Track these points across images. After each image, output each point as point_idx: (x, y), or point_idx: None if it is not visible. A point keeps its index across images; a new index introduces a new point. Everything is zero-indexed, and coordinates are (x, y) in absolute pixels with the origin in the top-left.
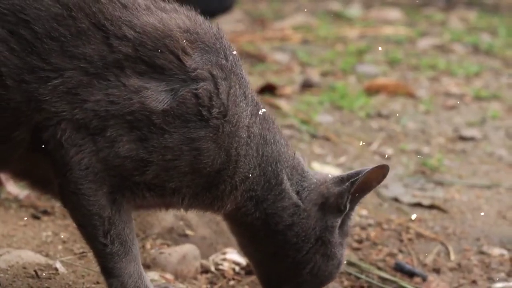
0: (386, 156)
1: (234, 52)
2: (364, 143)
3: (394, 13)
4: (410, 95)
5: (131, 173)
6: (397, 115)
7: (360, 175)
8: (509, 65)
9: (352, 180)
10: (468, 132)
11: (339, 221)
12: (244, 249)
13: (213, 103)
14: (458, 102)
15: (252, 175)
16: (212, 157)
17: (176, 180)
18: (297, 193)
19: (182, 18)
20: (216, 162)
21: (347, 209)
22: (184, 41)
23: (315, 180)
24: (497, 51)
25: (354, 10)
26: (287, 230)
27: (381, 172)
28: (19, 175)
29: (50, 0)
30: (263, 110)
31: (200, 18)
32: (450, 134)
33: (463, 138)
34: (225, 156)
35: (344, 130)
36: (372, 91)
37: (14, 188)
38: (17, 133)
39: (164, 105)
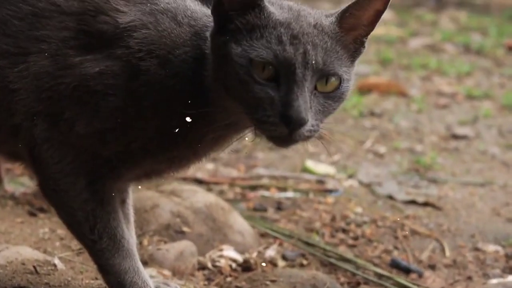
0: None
1: None
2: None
3: (385, 14)
4: (402, 94)
5: (97, 149)
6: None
7: None
8: (500, 65)
9: None
10: (460, 130)
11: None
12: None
13: (141, 47)
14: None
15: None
16: (153, 97)
17: (137, 139)
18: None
19: None
20: (157, 99)
21: None
22: (120, 0)
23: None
24: (488, 50)
25: None
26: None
27: None
28: (11, 157)
29: None
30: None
31: None
32: (443, 133)
33: (455, 137)
34: (162, 89)
35: (338, 128)
36: (364, 90)
37: (11, 186)
38: None
39: (100, 67)
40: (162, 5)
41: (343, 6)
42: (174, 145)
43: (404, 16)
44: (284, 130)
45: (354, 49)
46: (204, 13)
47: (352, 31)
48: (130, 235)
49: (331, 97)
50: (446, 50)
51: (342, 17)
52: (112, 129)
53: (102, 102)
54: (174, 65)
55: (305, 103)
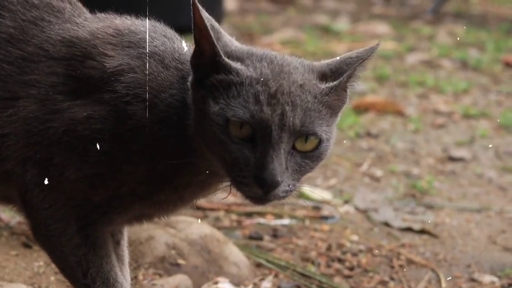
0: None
1: (169, 35)
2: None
3: (381, 27)
4: (399, 113)
5: (86, 194)
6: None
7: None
8: (497, 82)
9: None
10: (457, 152)
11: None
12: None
13: (127, 91)
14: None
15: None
16: (140, 142)
17: (126, 183)
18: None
19: (115, 24)
20: (144, 144)
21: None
22: (107, 45)
23: None
24: (485, 66)
25: (342, 24)
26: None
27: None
28: (3, 200)
29: (8, 20)
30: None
31: (135, 21)
32: (439, 154)
33: (452, 159)
34: (151, 135)
35: (334, 150)
36: (361, 109)
37: (5, 215)
38: None
39: (88, 111)
40: (150, 49)
41: (332, 58)
42: (161, 189)
43: (401, 30)
44: (258, 191)
45: (338, 103)
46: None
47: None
48: (125, 278)
49: (309, 156)
50: (443, 66)
51: (328, 75)
52: (101, 173)
53: (91, 147)
54: (160, 109)
55: (280, 165)
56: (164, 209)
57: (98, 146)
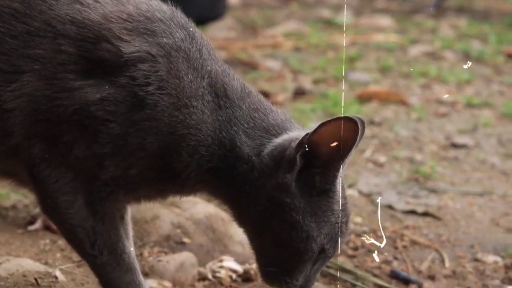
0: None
1: (190, 28)
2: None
3: (384, 20)
4: (402, 103)
5: (95, 172)
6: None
7: (317, 127)
8: (500, 72)
9: (308, 131)
10: (460, 139)
11: (291, 177)
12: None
13: (149, 80)
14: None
15: (204, 145)
16: (158, 134)
17: (135, 166)
18: (258, 152)
19: (128, 8)
20: (162, 139)
21: (298, 164)
22: (123, 30)
23: (287, 137)
24: (487, 58)
25: (345, 18)
26: (242, 188)
27: (348, 126)
28: (3, 175)
29: None
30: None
31: (151, 7)
32: (442, 142)
33: (455, 146)
34: (171, 132)
35: None
36: (364, 98)
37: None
38: None
39: (102, 93)
40: (171, 41)
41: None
42: (169, 180)
43: (404, 23)
44: None
45: None
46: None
47: None
48: (131, 249)
49: None
50: (446, 57)
51: None
52: (111, 154)
53: (103, 128)
54: (190, 114)
55: None
56: (167, 195)
57: (110, 128)
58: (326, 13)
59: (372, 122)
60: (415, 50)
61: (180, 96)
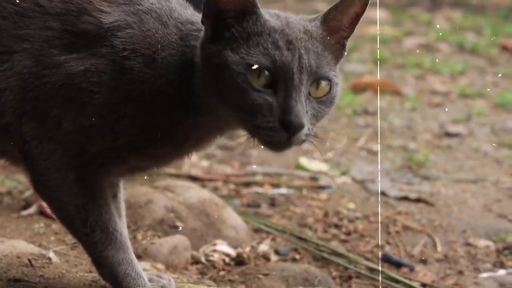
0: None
1: None
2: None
3: (380, 13)
4: (397, 93)
5: (84, 145)
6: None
7: None
8: (494, 64)
9: None
10: (453, 128)
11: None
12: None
13: (125, 46)
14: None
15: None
16: (139, 96)
17: (123, 134)
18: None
19: None
20: (142, 96)
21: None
22: (103, 2)
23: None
24: (482, 50)
25: None
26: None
27: None
28: None
29: None
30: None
31: None
32: (436, 131)
33: (448, 134)
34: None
35: (331, 126)
36: (358, 89)
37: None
38: None
39: (85, 65)
40: (146, 5)
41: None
42: (159, 143)
43: (399, 16)
44: (283, 135)
45: (338, 53)
46: (188, 19)
47: (334, 34)
48: (123, 228)
49: (323, 101)
50: (441, 49)
51: (325, 20)
52: (98, 125)
53: (88, 99)
54: (159, 66)
55: (303, 108)
56: (159, 162)
57: (95, 98)
58: (321, 6)
59: (366, 112)
60: (410, 42)
61: (152, 54)
